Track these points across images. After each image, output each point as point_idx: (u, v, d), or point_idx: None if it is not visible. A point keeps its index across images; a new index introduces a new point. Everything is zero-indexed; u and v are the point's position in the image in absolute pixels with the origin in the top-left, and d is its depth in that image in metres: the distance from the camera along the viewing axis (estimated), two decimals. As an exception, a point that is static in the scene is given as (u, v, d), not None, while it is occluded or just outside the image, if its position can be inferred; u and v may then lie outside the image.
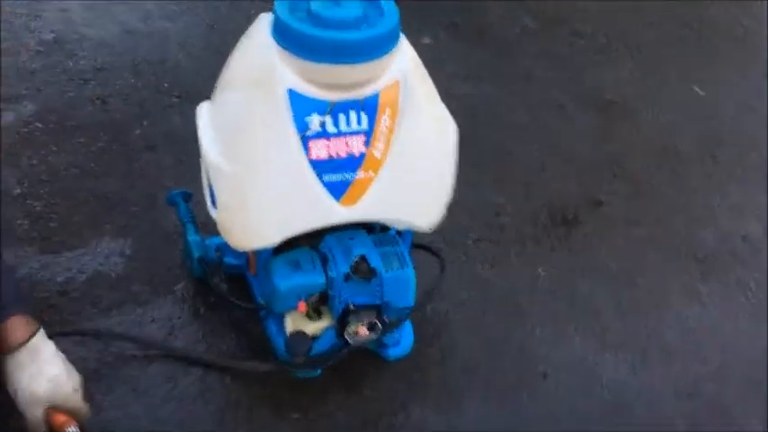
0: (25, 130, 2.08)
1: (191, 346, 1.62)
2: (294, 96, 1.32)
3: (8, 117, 2.11)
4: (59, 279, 1.72)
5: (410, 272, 1.51)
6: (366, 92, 1.36)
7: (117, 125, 2.13)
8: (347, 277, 1.47)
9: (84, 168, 1.99)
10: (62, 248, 1.78)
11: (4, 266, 1.41)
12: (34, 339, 1.32)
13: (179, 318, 1.67)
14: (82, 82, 2.27)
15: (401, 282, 1.51)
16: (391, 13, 1.36)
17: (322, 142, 1.36)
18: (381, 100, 1.37)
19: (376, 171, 1.41)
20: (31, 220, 1.84)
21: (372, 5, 1.36)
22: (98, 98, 2.21)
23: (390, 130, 1.39)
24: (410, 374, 1.63)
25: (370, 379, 1.61)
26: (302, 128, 1.34)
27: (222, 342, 1.64)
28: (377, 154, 1.40)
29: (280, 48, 1.31)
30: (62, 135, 2.08)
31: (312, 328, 1.54)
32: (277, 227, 1.41)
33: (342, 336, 1.51)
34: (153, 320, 1.66)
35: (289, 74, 1.32)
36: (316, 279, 1.47)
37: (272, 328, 1.60)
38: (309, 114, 1.34)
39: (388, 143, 1.39)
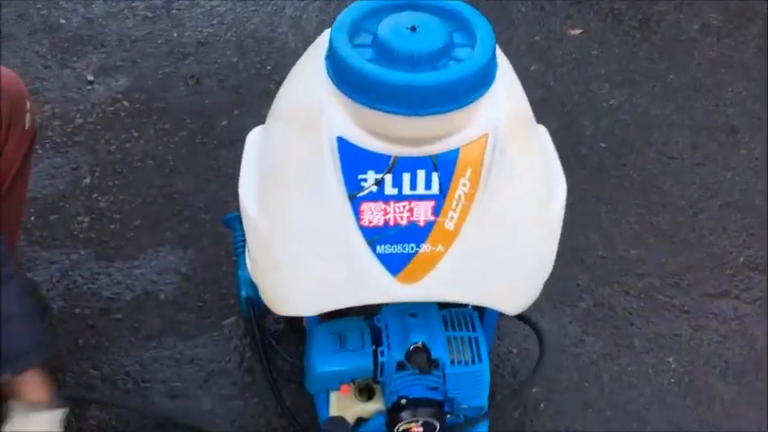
0: (111, 108, 1.92)
1: (222, 405, 1.40)
2: (345, 146, 1.02)
3: (98, 91, 1.96)
4: (105, 294, 1.55)
5: (484, 368, 1.19)
6: (441, 147, 1.03)
7: (206, 111, 1.92)
8: (401, 366, 1.18)
9: (161, 161, 1.80)
10: (117, 257, 1.61)
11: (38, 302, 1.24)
12: (38, 412, 1.13)
13: (219, 362, 1.45)
14: (181, 56, 2.07)
15: (470, 379, 1.20)
16: (485, 41, 1.00)
17: (377, 206, 1.05)
18: (461, 159, 1.04)
19: (447, 246, 1.09)
20: (92, 218, 1.68)
21: (462, 29, 1.02)
22: (192, 77, 2.01)
23: (470, 198, 1.06)
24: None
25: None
26: (353, 186, 1.04)
27: (260, 404, 1.40)
28: (449, 225, 1.07)
29: (332, 84, 1.01)
30: (146, 118, 1.90)
31: (359, 409, 1.27)
32: (317, 297, 1.14)
33: (391, 431, 1.23)
34: (192, 361, 1.45)
35: (340, 117, 1.01)
36: (361, 363, 1.19)
37: (319, 402, 1.34)
38: (364, 171, 1.03)
39: (465, 213, 1.06)
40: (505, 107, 1.04)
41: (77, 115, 1.89)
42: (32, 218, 1.66)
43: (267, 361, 1.34)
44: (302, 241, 1.08)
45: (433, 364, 1.18)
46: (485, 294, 1.16)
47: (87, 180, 1.75)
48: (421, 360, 1.16)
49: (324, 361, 1.19)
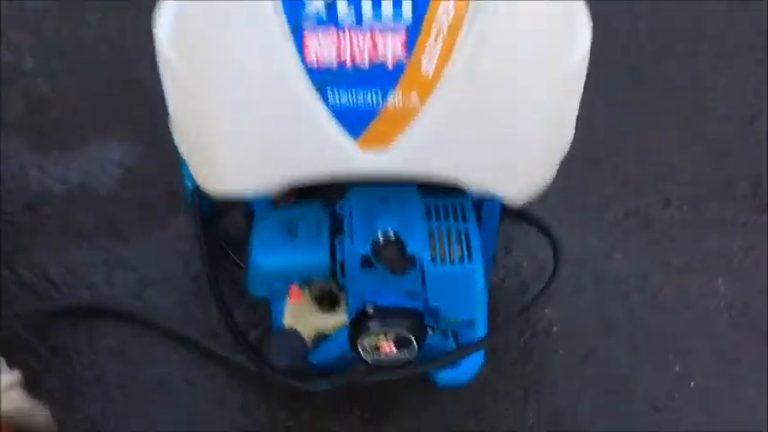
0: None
1: (156, 317, 1.14)
2: (281, -53, 0.74)
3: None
4: (34, 188, 1.29)
5: (474, 269, 0.91)
6: (414, -49, 0.74)
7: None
8: (366, 263, 0.91)
9: (117, 46, 1.53)
10: (53, 148, 1.35)
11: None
12: None
13: (159, 267, 1.20)
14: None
15: (457, 282, 0.92)
16: None
17: (328, 37, 0.77)
18: (442, -31, 0.75)
19: (424, 97, 0.80)
20: (29, 105, 1.42)
21: None
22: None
23: (454, 31, 0.77)
24: (464, 417, 1.06)
25: (399, 407, 1.06)
26: (294, 12, 0.76)
27: (204, 319, 1.14)
28: (427, 69, 0.79)
29: None
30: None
31: (318, 323, 1.00)
32: (253, 167, 0.86)
33: (355, 349, 0.96)
34: (126, 265, 1.20)
35: None
36: (314, 257, 0.92)
37: (274, 312, 1.08)
38: (308, -15, 0.76)
39: (448, 52, 0.78)
40: None
41: (26, -7, 1.63)
42: (-36, 102, 1.41)
43: (210, 264, 1.08)
44: (230, 86, 0.81)
45: (407, 261, 0.90)
46: (476, 170, 0.87)
47: (29, 63, 1.49)
48: (391, 255, 0.89)
49: (266, 252, 0.92)
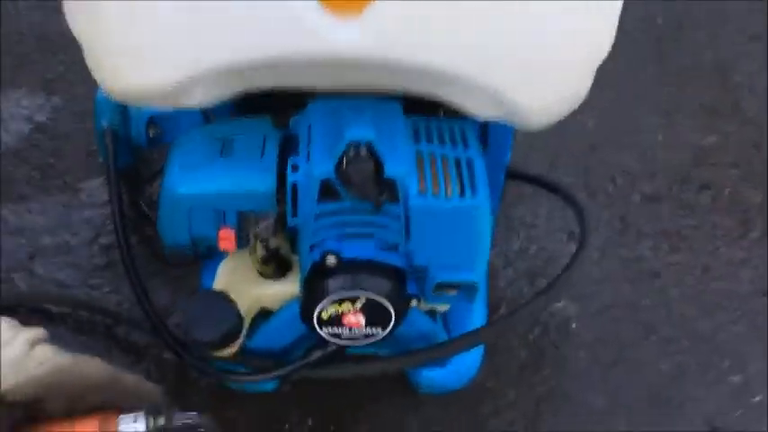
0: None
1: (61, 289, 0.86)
2: None
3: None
4: None
5: (479, 204, 0.65)
6: None
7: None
8: (328, 192, 0.64)
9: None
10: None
11: None
12: None
13: (58, 235, 0.92)
14: None
15: (453, 226, 0.65)
16: None
17: None
18: None
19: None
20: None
21: None
22: None
23: None
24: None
25: (366, 418, 0.78)
26: None
27: (111, 292, 0.86)
28: None
29: None
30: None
31: (263, 292, 0.73)
32: (174, 44, 0.60)
33: (308, 321, 0.68)
34: (16, 231, 0.92)
35: None
36: (255, 181, 0.65)
37: (203, 275, 0.80)
38: None
39: None
40: None
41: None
42: None
43: (125, 229, 0.80)
44: None
45: (386, 190, 0.64)
46: (478, 63, 0.61)
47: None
48: (362, 176, 0.62)
49: (186, 175, 0.65)
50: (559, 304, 0.88)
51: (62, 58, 1.16)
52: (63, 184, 0.98)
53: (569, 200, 0.86)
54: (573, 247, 0.87)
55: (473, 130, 0.70)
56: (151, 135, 0.88)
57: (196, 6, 0.57)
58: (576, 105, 0.68)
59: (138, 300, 0.76)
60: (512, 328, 0.81)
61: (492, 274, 0.89)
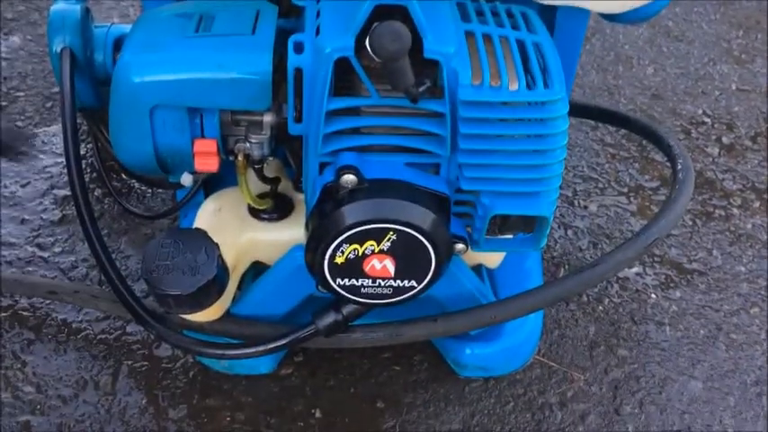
0: None
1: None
2: None
3: None
4: None
5: (556, 96, 0.47)
6: None
7: None
8: (343, 81, 0.46)
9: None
10: None
11: None
12: None
13: (6, 186, 0.73)
14: None
15: (519, 127, 0.47)
16: None
17: None
18: None
19: None
20: None
21: None
22: None
23: None
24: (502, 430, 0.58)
25: (390, 406, 0.58)
26: None
27: (69, 250, 0.67)
28: None
29: None
30: None
31: (258, 236, 0.54)
32: None
33: (317, 269, 0.49)
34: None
35: None
36: (242, 65, 0.46)
37: (182, 217, 0.62)
38: None
39: None
40: None
41: None
42: None
43: (78, 169, 0.61)
44: None
45: (426, 76, 0.45)
46: None
47: None
48: (394, 48, 0.44)
49: (150, 57, 0.47)
50: (631, 270, 0.69)
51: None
52: (15, 129, 0.80)
53: (654, 136, 0.67)
54: (638, 205, 0.69)
55: (535, 13, 0.53)
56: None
57: None
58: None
59: (96, 258, 0.58)
60: (584, 287, 0.62)
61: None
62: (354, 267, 0.49)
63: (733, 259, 0.72)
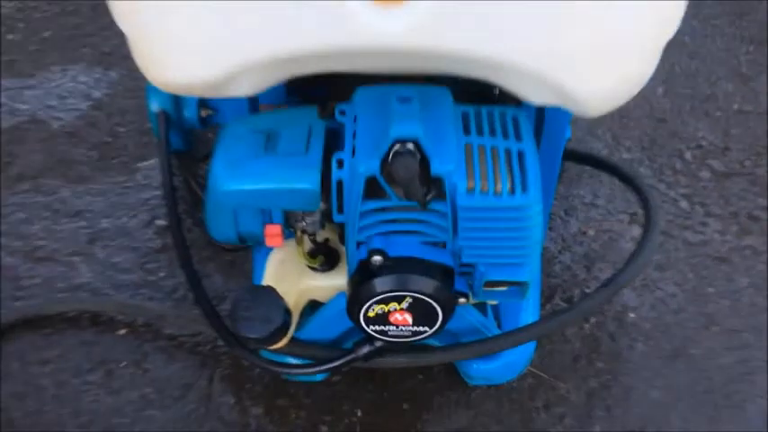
0: None
1: (103, 277, 0.87)
2: None
3: None
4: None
5: (531, 203, 0.62)
6: None
7: None
8: (373, 190, 0.62)
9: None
10: (6, 74, 1.10)
11: None
12: None
13: (117, 217, 0.93)
14: None
15: (503, 225, 0.63)
16: None
17: None
18: None
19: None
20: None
21: None
22: None
23: None
24: (504, 427, 0.76)
25: (415, 409, 0.77)
26: None
27: (167, 278, 0.87)
28: None
29: None
30: None
31: (311, 285, 0.73)
32: (219, 36, 0.58)
33: (355, 319, 0.67)
34: (77, 213, 0.93)
35: None
36: (300, 177, 0.63)
37: (255, 267, 0.80)
38: None
39: None
40: None
41: None
42: None
43: (177, 211, 0.80)
44: None
45: (433, 187, 0.62)
46: (533, 48, 0.58)
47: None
48: (408, 172, 0.60)
49: (231, 172, 0.64)
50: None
51: (118, 30, 1.16)
52: (120, 165, 0.99)
53: (633, 185, 0.82)
54: (635, 230, 0.84)
55: (527, 116, 0.68)
56: (203, 116, 0.88)
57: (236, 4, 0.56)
58: (641, 87, 0.64)
59: (191, 285, 0.77)
60: (567, 325, 0.79)
61: (547, 259, 0.87)
62: (382, 319, 0.66)
63: (705, 281, 0.87)
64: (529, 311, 0.78)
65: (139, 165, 0.99)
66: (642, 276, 0.86)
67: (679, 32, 0.62)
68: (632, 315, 0.83)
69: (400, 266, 0.64)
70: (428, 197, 0.62)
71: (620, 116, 1.05)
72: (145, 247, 0.90)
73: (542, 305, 0.84)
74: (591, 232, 0.91)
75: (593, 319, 0.83)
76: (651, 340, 0.81)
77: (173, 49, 0.60)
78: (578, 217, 0.92)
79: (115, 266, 0.88)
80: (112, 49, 1.14)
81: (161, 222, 0.92)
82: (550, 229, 0.90)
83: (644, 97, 1.08)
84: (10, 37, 1.15)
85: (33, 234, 0.91)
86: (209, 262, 0.88)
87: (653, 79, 0.63)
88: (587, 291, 0.85)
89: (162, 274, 0.87)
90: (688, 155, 1.01)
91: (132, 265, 0.87)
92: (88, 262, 0.88)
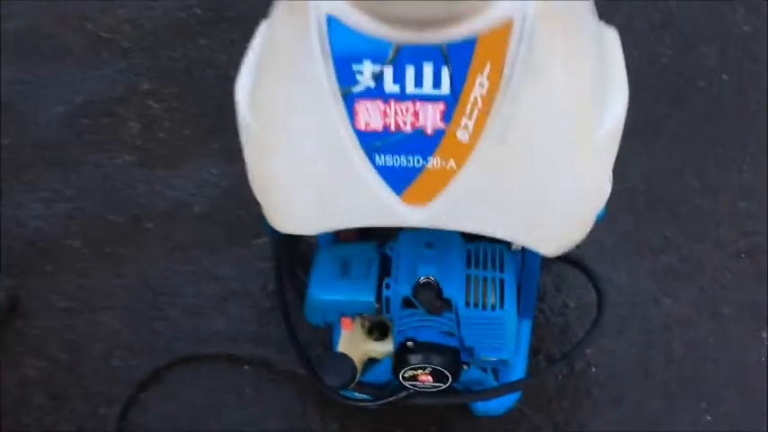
0: (183, 15, 1.83)
1: (235, 327, 1.28)
2: (336, 28, 0.85)
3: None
4: (141, 201, 1.47)
5: (506, 316, 1.00)
6: (453, 34, 0.83)
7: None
8: (407, 304, 1.01)
9: (222, 72, 1.69)
10: (159, 165, 1.53)
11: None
12: None
13: (242, 282, 1.34)
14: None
15: (488, 326, 1.01)
16: None
17: (375, 105, 0.88)
18: (478, 50, 0.84)
19: (460, 162, 0.90)
20: (143, 125, 1.60)
21: None
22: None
23: (488, 102, 0.86)
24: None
25: (438, 430, 1.16)
26: (347, 79, 0.87)
27: (276, 330, 1.28)
28: (463, 136, 0.88)
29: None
30: (216, 27, 1.79)
31: (369, 349, 1.12)
32: (312, 214, 0.98)
33: (396, 376, 1.06)
34: (214, 278, 1.35)
35: (332, -8, 0.85)
36: (362, 295, 1.03)
37: (334, 336, 1.20)
38: (359, 60, 0.86)
39: (482, 121, 0.87)
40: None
41: (148, 21, 1.81)
42: (85, 120, 1.61)
43: (281, 283, 1.21)
44: (291, 145, 0.93)
45: (444, 304, 1.00)
46: (509, 226, 0.95)
47: (146, 86, 1.68)
48: (428, 298, 0.99)
49: (321, 288, 1.04)
50: (588, 351, 1.21)
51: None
52: (242, 241, 1.40)
53: (591, 278, 1.17)
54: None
55: (508, 253, 1.04)
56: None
57: (327, 197, 0.95)
58: (584, 236, 1.00)
59: (290, 336, 1.18)
60: (536, 384, 1.17)
61: (538, 324, 1.23)
62: (413, 378, 1.05)
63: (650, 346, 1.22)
64: (517, 370, 1.15)
65: (255, 242, 1.39)
66: (607, 341, 1.22)
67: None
68: (594, 369, 1.20)
69: (425, 348, 1.03)
70: (442, 309, 1.00)
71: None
72: (261, 306, 1.31)
73: (532, 357, 1.20)
74: (572, 304, 1.27)
75: (565, 371, 1.20)
76: (604, 389, 1.18)
77: (285, 215, 1.00)
78: (565, 292, 1.28)
79: (242, 320, 1.29)
80: (235, 145, 1.54)
81: (271, 287, 1.33)
82: (543, 300, 1.27)
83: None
84: (161, 135, 1.58)
85: (187, 293, 1.33)
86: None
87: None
88: (563, 351, 1.21)
89: (271, 328, 1.28)
90: (659, 247, 1.35)
91: (251, 322, 1.29)
92: (223, 317, 1.29)
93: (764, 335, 1.23)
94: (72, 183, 1.50)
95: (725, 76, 1.60)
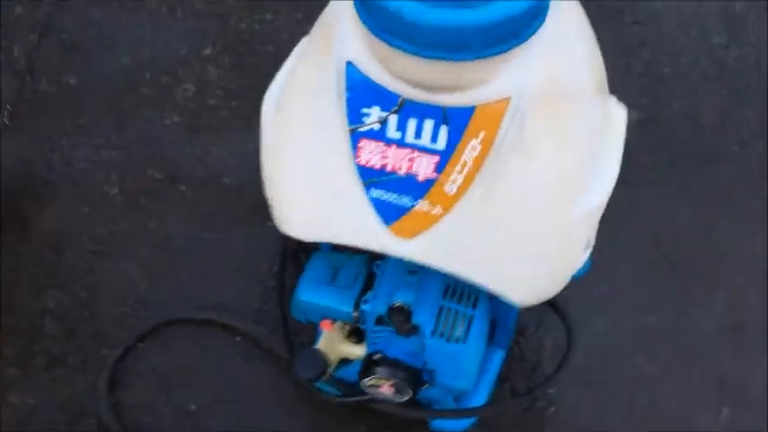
0: None
1: (239, 300, 1.40)
2: (353, 74, 0.93)
3: None
4: (181, 163, 1.58)
5: (467, 351, 1.08)
6: (455, 100, 0.90)
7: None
8: (380, 321, 1.10)
9: (281, 48, 1.77)
10: (203, 130, 1.63)
11: None
12: None
13: (251, 259, 1.45)
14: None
15: (450, 357, 1.09)
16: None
17: (377, 146, 0.96)
18: (476, 118, 0.91)
19: (446, 209, 0.97)
20: (197, 89, 1.71)
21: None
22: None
23: (478, 164, 0.93)
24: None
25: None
26: (355, 118, 0.95)
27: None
28: (450, 188, 0.95)
29: (354, 5, 0.91)
30: (283, 4, 1.87)
31: (344, 350, 1.21)
32: (310, 224, 1.07)
33: (362, 383, 1.16)
34: (228, 251, 1.46)
35: (355, 42, 0.92)
36: (342, 304, 1.12)
37: (316, 331, 1.30)
38: (369, 104, 0.94)
39: (470, 180, 0.94)
40: (540, 71, 0.89)
41: (224, -13, 1.90)
42: (147, 74, 1.72)
43: (283, 269, 1.31)
44: (299, 163, 1.02)
45: (412, 329, 1.08)
46: (485, 274, 1.02)
47: (208, 51, 1.77)
48: (398, 321, 1.07)
49: (307, 289, 1.14)
50: (551, 390, 1.29)
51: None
52: (263, 220, 1.49)
53: (563, 318, 1.24)
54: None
55: (483, 293, 1.12)
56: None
57: (324, 215, 1.04)
58: (556, 292, 1.07)
59: (282, 321, 1.29)
60: (494, 413, 1.25)
61: (511, 357, 1.31)
62: (375, 386, 1.14)
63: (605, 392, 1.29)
64: (479, 396, 1.23)
65: (269, 223, 1.49)
66: (572, 386, 1.29)
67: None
68: (553, 408, 1.27)
69: (389, 364, 1.12)
70: (410, 332, 1.09)
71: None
72: (266, 283, 1.42)
73: (498, 385, 1.28)
74: (548, 344, 1.34)
75: (525, 405, 1.27)
76: (559, 430, 1.25)
77: (287, 219, 1.09)
78: (543, 331, 1.35)
79: (245, 293, 1.40)
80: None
81: (276, 268, 1.43)
82: (522, 334, 1.34)
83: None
84: (211, 102, 1.68)
85: (201, 259, 1.44)
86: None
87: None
88: (529, 386, 1.29)
89: (270, 305, 1.39)
90: (649, 305, 1.40)
91: (258, 294, 1.40)
92: (229, 287, 1.41)
93: (725, 411, 1.28)
94: (122, 133, 1.62)
95: (761, 146, 1.61)
